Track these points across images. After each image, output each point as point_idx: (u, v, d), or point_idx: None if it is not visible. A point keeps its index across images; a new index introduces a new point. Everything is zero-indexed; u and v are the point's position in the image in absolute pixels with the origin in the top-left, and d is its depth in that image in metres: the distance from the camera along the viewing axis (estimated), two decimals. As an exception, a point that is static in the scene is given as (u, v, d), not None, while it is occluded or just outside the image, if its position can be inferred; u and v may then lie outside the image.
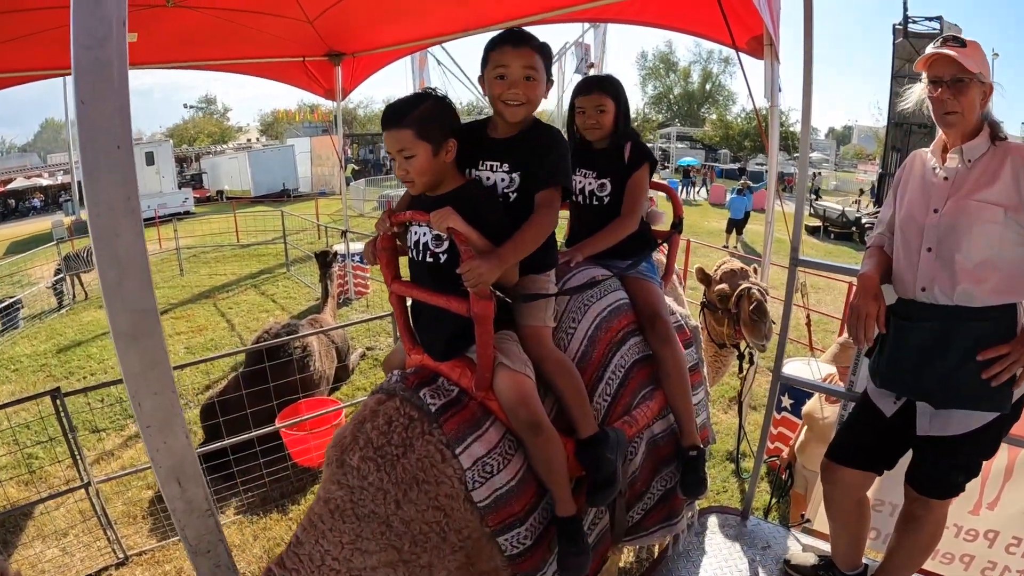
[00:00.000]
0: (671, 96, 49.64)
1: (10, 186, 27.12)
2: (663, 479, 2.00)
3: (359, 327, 7.18)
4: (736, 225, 14.33)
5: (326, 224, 12.57)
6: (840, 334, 5.60)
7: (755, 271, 3.18)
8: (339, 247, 8.46)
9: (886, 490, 2.38)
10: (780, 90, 3.48)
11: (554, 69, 2.22)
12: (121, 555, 3.46)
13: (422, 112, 1.48)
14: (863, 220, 16.10)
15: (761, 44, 3.33)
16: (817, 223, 17.47)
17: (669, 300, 2.15)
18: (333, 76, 6.21)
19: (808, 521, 2.65)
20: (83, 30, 0.77)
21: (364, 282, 8.85)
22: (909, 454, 1.89)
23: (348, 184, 18.00)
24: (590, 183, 2.03)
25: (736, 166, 33.21)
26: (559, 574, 1.62)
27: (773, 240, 3.90)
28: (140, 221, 0.85)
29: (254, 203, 21.27)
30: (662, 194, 2.70)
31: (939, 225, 1.68)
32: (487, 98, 1.65)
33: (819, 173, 30.02)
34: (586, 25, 20.45)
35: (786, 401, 4.14)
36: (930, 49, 1.66)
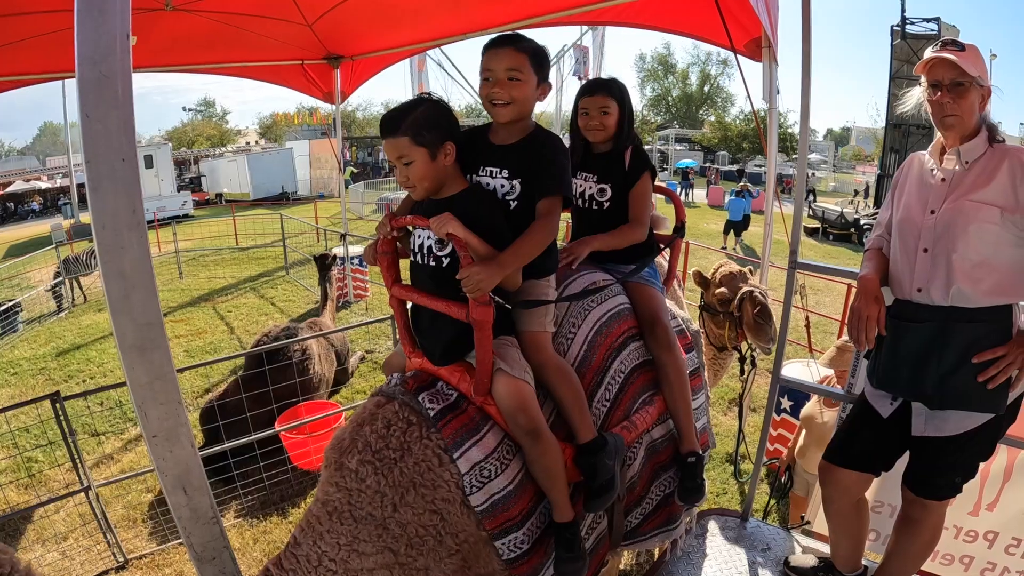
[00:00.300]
0: (669, 98, 49.66)
1: (9, 189, 26.96)
2: (662, 484, 2.00)
3: (359, 330, 7.17)
4: (736, 228, 14.29)
5: (325, 227, 12.55)
6: (839, 336, 5.60)
7: (751, 272, 3.18)
8: (338, 250, 8.46)
9: (885, 491, 2.38)
10: (778, 92, 3.47)
11: (552, 72, 2.22)
12: (121, 559, 3.47)
13: (416, 118, 1.48)
14: (862, 222, 16.12)
15: (759, 46, 3.32)
16: (816, 224, 17.50)
17: (669, 303, 2.15)
18: (332, 79, 6.22)
19: (808, 523, 2.65)
20: (87, 44, 0.77)
21: (363, 285, 8.84)
22: (906, 456, 1.89)
23: (347, 187, 18.00)
24: (590, 187, 2.01)
25: (735, 168, 33.24)
26: None
27: (772, 242, 3.91)
28: (146, 234, 0.86)
29: (253, 206, 21.22)
30: (662, 197, 2.71)
31: (936, 225, 1.69)
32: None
33: (813, 174, 30.00)
34: (584, 28, 20.50)
35: (785, 403, 4.14)
36: (929, 53, 1.67)
